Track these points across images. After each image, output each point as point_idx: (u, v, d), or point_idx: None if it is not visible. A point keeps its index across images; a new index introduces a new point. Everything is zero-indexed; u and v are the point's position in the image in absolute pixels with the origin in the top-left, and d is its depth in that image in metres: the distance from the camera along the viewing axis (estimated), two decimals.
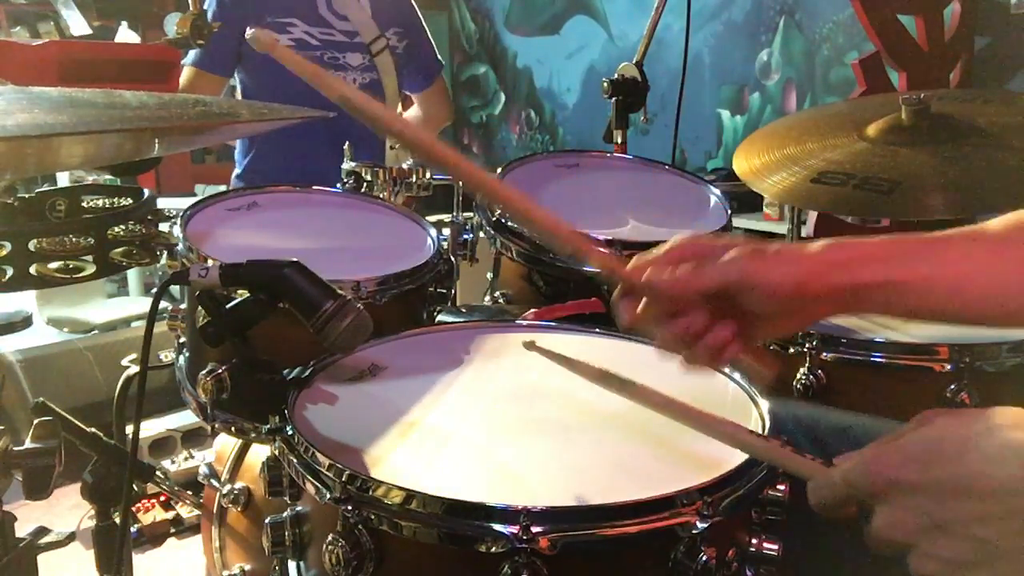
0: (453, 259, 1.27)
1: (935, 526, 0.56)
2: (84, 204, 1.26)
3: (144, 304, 3.53)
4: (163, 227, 1.21)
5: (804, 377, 1.13)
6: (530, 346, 0.85)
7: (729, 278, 0.75)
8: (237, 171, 2.38)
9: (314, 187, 1.40)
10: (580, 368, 0.81)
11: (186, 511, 2.33)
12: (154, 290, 1.39)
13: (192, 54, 2.20)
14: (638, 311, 0.80)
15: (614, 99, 1.78)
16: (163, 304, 0.93)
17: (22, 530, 0.99)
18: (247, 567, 1.29)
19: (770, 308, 0.76)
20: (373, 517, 0.67)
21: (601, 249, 0.85)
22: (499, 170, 1.41)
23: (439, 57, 2.53)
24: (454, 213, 1.40)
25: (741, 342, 0.78)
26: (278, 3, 2.22)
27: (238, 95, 2.34)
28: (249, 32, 0.79)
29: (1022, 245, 0.77)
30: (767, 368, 0.84)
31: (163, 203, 1.29)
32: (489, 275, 1.40)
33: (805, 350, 1.13)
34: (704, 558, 0.66)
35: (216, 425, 1.06)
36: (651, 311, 0.79)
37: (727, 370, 0.93)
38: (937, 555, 0.56)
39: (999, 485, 0.54)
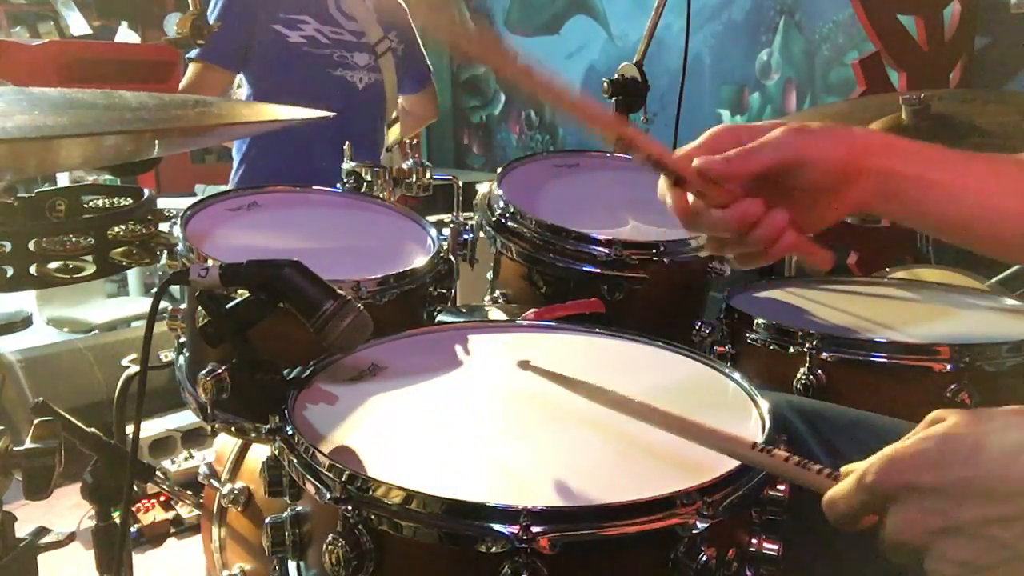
0: (453, 259, 1.27)
1: (951, 528, 0.55)
2: (84, 204, 1.26)
3: (144, 304, 3.53)
4: (163, 227, 1.21)
5: (804, 377, 1.13)
6: (525, 366, 0.85)
7: (782, 154, 0.74)
8: (235, 170, 2.38)
9: (314, 187, 1.40)
10: (579, 387, 0.80)
11: (186, 511, 2.33)
12: (154, 290, 1.39)
13: (198, 49, 2.19)
14: (691, 202, 0.77)
15: (614, 99, 1.78)
16: (163, 304, 0.93)
17: (22, 530, 0.99)
18: (247, 567, 1.29)
19: (821, 183, 0.75)
20: (373, 517, 0.67)
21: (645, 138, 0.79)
22: (499, 170, 1.42)
23: (429, 65, 2.61)
24: (454, 213, 1.40)
25: (795, 229, 0.76)
26: (289, 0, 2.22)
27: (242, 91, 2.33)
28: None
29: None
30: (823, 257, 0.80)
31: (163, 203, 1.29)
32: (489, 275, 1.40)
33: (805, 350, 1.13)
34: (704, 558, 0.66)
35: (216, 425, 1.06)
36: (704, 200, 0.77)
37: (727, 370, 0.94)
38: (953, 558, 0.55)
39: (1015, 485, 0.54)
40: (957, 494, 0.55)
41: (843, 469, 0.62)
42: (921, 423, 0.61)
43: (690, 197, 0.78)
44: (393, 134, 2.40)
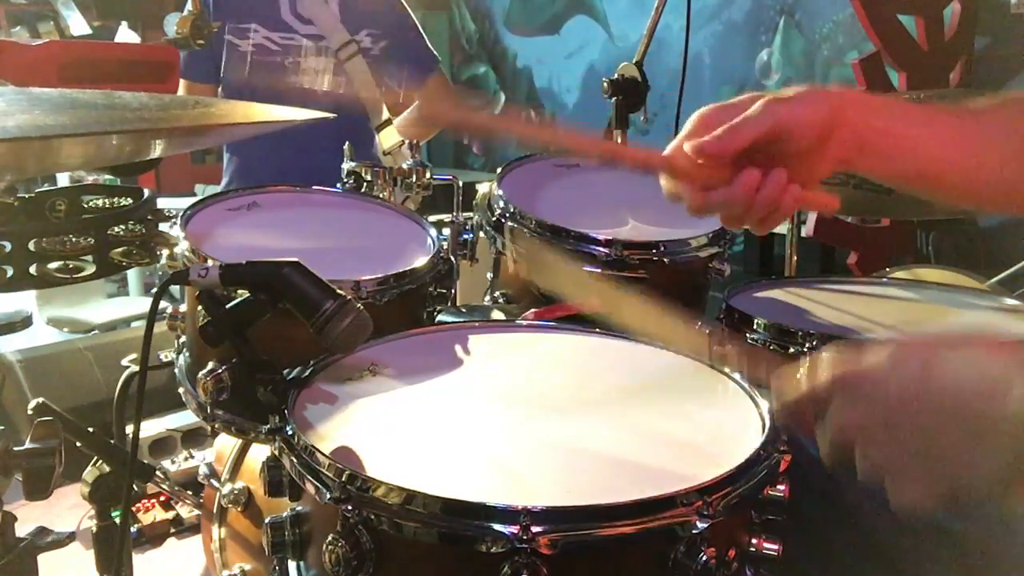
0: (453, 259, 1.27)
1: (885, 423, 0.60)
2: (84, 204, 1.26)
3: (144, 304, 3.53)
4: (163, 227, 1.21)
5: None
6: None
7: (767, 124, 0.78)
8: (226, 168, 2.38)
9: (314, 187, 1.40)
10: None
11: (186, 511, 2.32)
12: (154, 290, 1.40)
13: (181, 66, 2.21)
14: (693, 189, 0.82)
15: (614, 99, 1.78)
16: (163, 304, 0.93)
17: (22, 530, 0.99)
18: (247, 567, 1.29)
19: (807, 144, 0.79)
20: (373, 517, 0.67)
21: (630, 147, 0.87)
22: (499, 170, 1.41)
23: (433, 53, 2.48)
24: (454, 213, 1.39)
25: (796, 186, 0.80)
26: (238, 8, 2.20)
27: None
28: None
29: (1000, 123, 0.83)
30: (830, 200, 0.86)
31: (163, 203, 1.29)
32: (489, 275, 1.40)
33: (805, 350, 1.13)
34: (704, 558, 0.66)
35: (216, 425, 1.06)
36: (704, 183, 0.81)
37: (727, 370, 0.93)
38: (878, 451, 0.60)
39: (953, 402, 0.58)
40: (899, 397, 0.59)
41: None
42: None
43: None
44: (388, 137, 2.33)
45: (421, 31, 2.45)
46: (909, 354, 0.61)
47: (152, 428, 2.56)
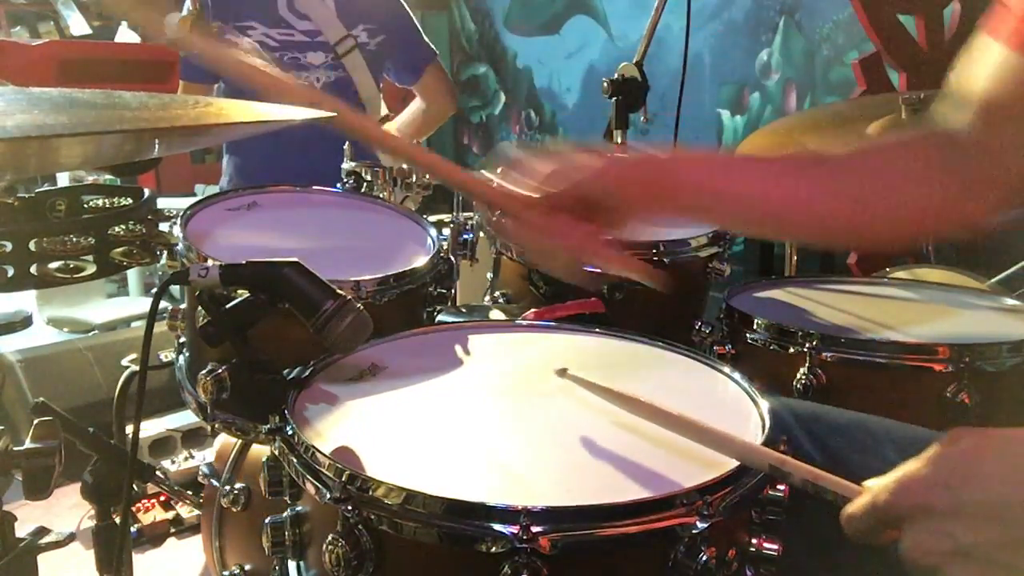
0: (453, 259, 1.27)
1: (961, 551, 0.56)
2: (84, 204, 1.26)
3: (144, 304, 3.53)
4: (163, 227, 1.21)
5: (804, 377, 1.13)
6: (562, 374, 0.86)
7: (588, 193, 0.85)
8: (225, 168, 2.38)
9: (314, 187, 1.40)
10: (620, 400, 0.81)
11: (186, 511, 2.32)
12: (154, 290, 1.40)
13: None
14: (514, 227, 0.90)
15: (614, 99, 1.78)
16: (163, 304, 0.93)
17: (22, 530, 0.99)
18: (247, 567, 1.29)
19: (620, 205, 0.86)
20: (373, 517, 0.67)
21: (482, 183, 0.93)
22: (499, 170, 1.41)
23: (430, 47, 2.47)
24: (454, 213, 1.40)
25: (612, 244, 0.87)
26: (236, 6, 2.20)
27: None
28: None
29: (855, 172, 0.89)
30: (652, 274, 0.93)
31: (163, 203, 1.29)
32: (489, 275, 1.40)
33: (805, 350, 1.13)
34: (704, 558, 0.66)
35: (216, 425, 1.06)
36: (524, 224, 0.88)
37: (727, 370, 0.93)
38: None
39: (1020, 510, 0.54)
40: (967, 517, 0.56)
41: (865, 484, 0.63)
42: (942, 440, 0.61)
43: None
44: None
45: (417, 25, 2.45)
46: (968, 466, 0.57)
47: (152, 428, 2.56)
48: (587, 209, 0.85)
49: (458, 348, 1.01)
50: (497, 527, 0.63)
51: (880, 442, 0.91)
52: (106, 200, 1.27)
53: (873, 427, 0.94)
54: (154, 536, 2.29)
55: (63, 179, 2.90)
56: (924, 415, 1.02)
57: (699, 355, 0.98)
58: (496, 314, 1.24)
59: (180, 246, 1.11)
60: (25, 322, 1.44)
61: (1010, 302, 1.33)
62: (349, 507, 0.67)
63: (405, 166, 1.47)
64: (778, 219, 0.90)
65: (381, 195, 1.43)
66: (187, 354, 1.16)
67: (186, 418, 2.58)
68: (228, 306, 0.88)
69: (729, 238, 1.36)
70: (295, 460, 0.75)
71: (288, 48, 2.24)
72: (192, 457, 2.54)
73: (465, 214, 1.41)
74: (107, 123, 0.72)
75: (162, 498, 2.36)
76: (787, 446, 0.75)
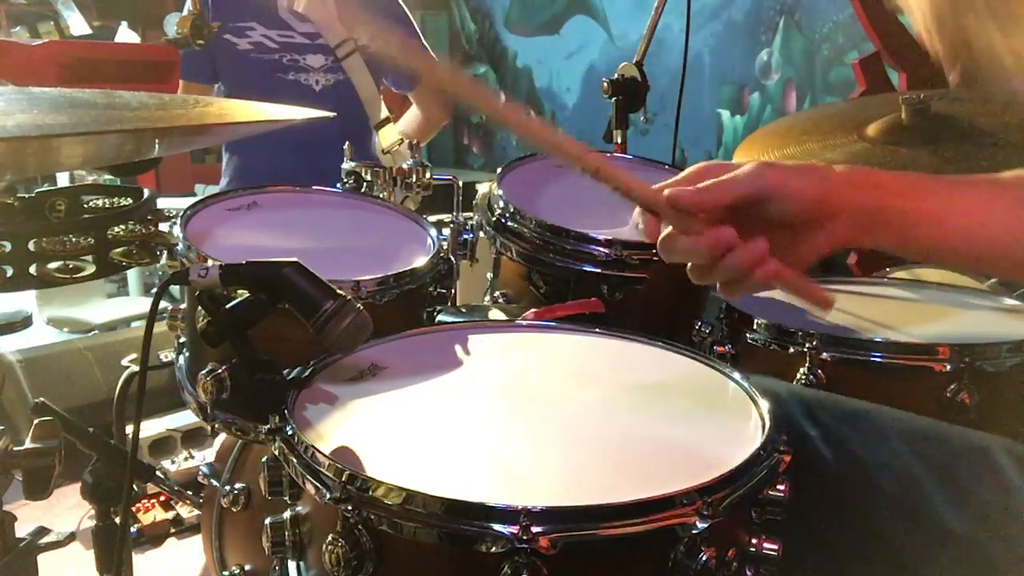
0: (453, 259, 1.27)
1: None
2: (84, 204, 1.26)
3: (144, 304, 3.53)
4: (163, 227, 1.21)
5: (804, 377, 1.13)
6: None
7: (752, 186, 0.76)
8: (225, 168, 2.38)
9: (314, 187, 1.40)
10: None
11: (186, 511, 2.32)
12: (154, 290, 1.40)
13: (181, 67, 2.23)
14: (665, 231, 0.80)
15: (614, 99, 1.78)
16: (163, 304, 0.93)
17: (22, 530, 0.99)
18: (247, 567, 1.29)
19: (793, 217, 0.76)
20: (373, 517, 0.67)
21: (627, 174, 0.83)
22: (499, 170, 1.41)
23: (428, 51, 2.45)
24: (454, 213, 1.39)
25: (777, 259, 0.77)
26: (237, 7, 2.21)
27: None
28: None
29: None
30: (820, 297, 0.81)
31: (163, 203, 1.29)
32: (489, 275, 1.40)
33: (805, 350, 1.13)
34: (704, 558, 0.66)
35: (216, 425, 1.06)
36: (677, 228, 0.79)
37: (727, 370, 0.93)
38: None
39: None
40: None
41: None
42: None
43: (663, 226, 0.81)
44: (387, 136, 2.32)
45: (418, 30, 2.46)
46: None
47: (152, 428, 2.56)
48: (750, 222, 0.77)
49: (458, 348, 1.01)
50: (497, 527, 0.63)
51: (886, 431, 0.90)
52: (106, 200, 1.27)
53: (877, 416, 0.94)
54: (154, 536, 2.29)
55: (63, 179, 2.90)
56: (924, 415, 1.02)
57: (699, 355, 0.98)
58: (496, 314, 1.24)
59: (180, 246, 1.11)
60: (25, 322, 1.44)
61: (1010, 302, 1.33)
62: (349, 507, 0.67)
63: (405, 166, 1.47)
64: (956, 237, 0.78)
65: (381, 195, 1.43)
66: (187, 354, 1.16)
67: (186, 418, 2.58)
68: (228, 306, 0.88)
69: None
70: (295, 460, 0.75)
71: (287, 50, 2.25)
72: (192, 457, 2.54)
73: (465, 214, 1.41)
74: (107, 123, 0.72)
75: (162, 498, 2.36)
76: (787, 446, 0.75)
